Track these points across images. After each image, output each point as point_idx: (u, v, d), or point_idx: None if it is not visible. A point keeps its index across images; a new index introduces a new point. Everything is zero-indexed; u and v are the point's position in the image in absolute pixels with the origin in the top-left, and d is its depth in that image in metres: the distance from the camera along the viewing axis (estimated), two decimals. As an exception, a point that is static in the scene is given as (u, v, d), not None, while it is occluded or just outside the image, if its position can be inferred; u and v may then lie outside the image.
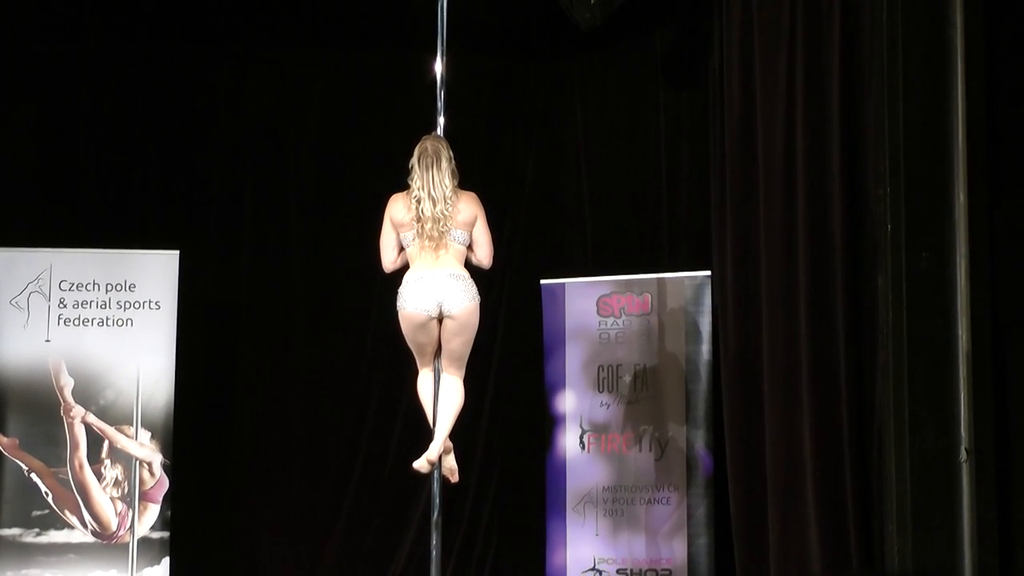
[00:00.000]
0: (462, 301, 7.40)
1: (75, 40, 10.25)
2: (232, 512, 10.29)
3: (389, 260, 7.61)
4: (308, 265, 10.57)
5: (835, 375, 7.89)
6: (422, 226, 7.41)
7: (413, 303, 7.39)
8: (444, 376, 7.57)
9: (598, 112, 10.62)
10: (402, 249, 7.57)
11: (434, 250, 7.44)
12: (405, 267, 7.59)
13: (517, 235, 10.50)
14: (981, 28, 6.16)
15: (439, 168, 7.44)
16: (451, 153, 7.51)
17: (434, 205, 7.40)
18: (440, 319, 7.43)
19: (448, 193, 7.42)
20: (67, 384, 9.32)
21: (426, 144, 7.52)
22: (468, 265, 7.56)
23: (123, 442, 9.34)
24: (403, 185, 7.56)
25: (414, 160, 7.49)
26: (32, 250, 9.45)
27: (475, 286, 7.49)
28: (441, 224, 7.40)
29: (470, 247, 7.58)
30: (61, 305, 9.39)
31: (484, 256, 7.62)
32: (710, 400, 9.19)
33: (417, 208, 7.42)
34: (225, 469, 10.31)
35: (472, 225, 7.53)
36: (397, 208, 7.52)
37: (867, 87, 7.57)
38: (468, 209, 7.50)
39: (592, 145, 10.62)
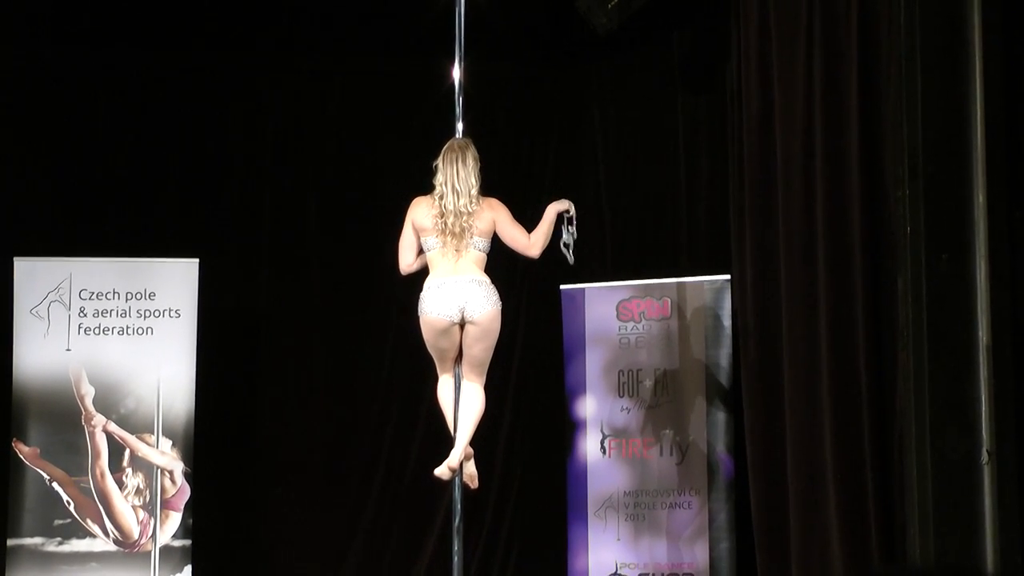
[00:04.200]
0: (484, 306, 7.41)
1: (94, 50, 10.28)
2: (253, 520, 10.30)
3: (406, 263, 7.61)
4: (328, 273, 10.58)
5: (855, 377, 7.88)
6: (445, 221, 7.41)
7: (435, 308, 7.39)
8: (464, 382, 7.56)
9: (616, 116, 10.62)
10: (420, 252, 7.57)
11: (455, 249, 7.43)
12: (421, 271, 7.59)
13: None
14: (999, 28, 6.14)
15: (464, 164, 7.45)
16: (477, 154, 7.52)
17: (458, 199, 7.40)
18: (462, 324, 7.44)
19: (473, 190, 7.42)
20: (88, 393, 9.34)
21: (453, 143, 7.56)
22: (488, 271, 7.56)
23: (144, 450, 9.36)
24: (422, 191, 7.57)
25: (439, 159, 7.51)
26: (52, 259, 9.48)
27: (496, 292, 7.49)
28: (464, 219, 7.40)
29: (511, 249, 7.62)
30: (81, 314, 9.42)
31: (524, 247, 7.61)
32: (731, 404, 9.18)
33: (440, 203, 7.42)
34: (246, 477, 10.33)
35: (491, 233, 7.53)
36: (419, 211, 7.52)
37: (885, 89, 7.57)
38: (487, 216, 7.49)
39: (611, 149, 10.63)
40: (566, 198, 7.79)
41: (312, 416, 10.49)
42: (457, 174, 7.44)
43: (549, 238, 7.70)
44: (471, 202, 7.42)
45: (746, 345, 9.04)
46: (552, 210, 7.71)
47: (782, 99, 8.60)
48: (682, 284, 9.45)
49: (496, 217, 7.54)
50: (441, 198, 7.43)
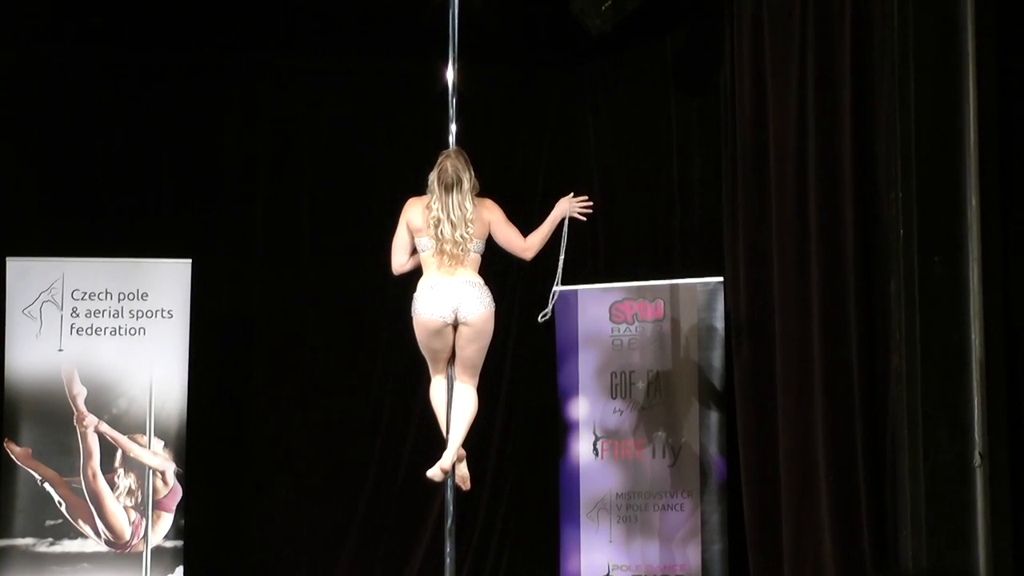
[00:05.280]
0: (478, 308, 7.39)
1: (87, 49, 10.26)
2: (246, 520, 10.29)
3: (399, 263, 7.58)
4: (321, 273, 10.57)
5: (848, 380, 7.88)
6: (441, 245, 7.38)
7: (428, 309, 7.37)
8: (457, 384, 7.55)
9: (610, 118, 10.62)
10: (414, 252, 7.55)
11: (451, 266, 7.42)
12: (414, 270, 7.57)
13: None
14: (992, 31, 6.16)
15: (460, 191, 7.39)
16: (471, 171, 7.45)
17: (454, 229, 7.36)
18: (455, 326, 7.42)
19: (469, 216, 7.38)
20: (80, 393, 9.32)
21: (446, 164, 7.43)
22: (481, 272, 7.54)
23: (136, 451, 9.35)
24: (416, 192, 7.54)
25: (433, 178, 7.43)
26: (44, 259, 9.46)
27: (490, 293, 7.48)
28: (461, 247, 7.38)
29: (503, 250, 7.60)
30: (74, 314, 9.40)
31: (520, 249, 7.60)
32: (723, 406, 9.18)
33: (436, 229, 7.38)
34: (238, 477, 10.32)
35: (486, 235, 7.51)
36: (414, 213, 7.49)
37: (878, 91, 7.57)
38: (483, 218, 7.46)
39: (604, 151, 10.63)
40: (559, 198, 7.78)
41: (305, 417, 10.47)
42: (452, 203, 7.37)
43: (545, 241, 7.69)
44: (468, 227, 7.39)
45: (739, 347, 9.05)
46: (559, 211, 7.70)
47: (775, 101, 8.61)
48: (675, 286, 9.44)
49: (491, 219, 7.51)
50: (437, 223, 7.38)
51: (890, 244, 6.53)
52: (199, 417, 9.63)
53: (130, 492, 9.32)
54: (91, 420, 9.32)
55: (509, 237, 7.59)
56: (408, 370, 9.43)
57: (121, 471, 9.33)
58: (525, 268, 10.02)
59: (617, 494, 9.42)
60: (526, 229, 7.59)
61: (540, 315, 8.01)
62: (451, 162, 7.44)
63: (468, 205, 7.38)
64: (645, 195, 10.38)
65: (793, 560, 8.33)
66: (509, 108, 10.82)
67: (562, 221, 7.72)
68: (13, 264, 9.40)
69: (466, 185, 7.39)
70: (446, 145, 7.64)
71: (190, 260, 9.56)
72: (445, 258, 7.40)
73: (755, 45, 8.84)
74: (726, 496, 9.13)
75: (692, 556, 9.17)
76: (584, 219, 7.80)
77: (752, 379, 8.90)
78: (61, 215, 10.17)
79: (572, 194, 7.76)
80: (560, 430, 9.64)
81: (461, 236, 7.36)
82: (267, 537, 10.31)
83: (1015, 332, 6.05)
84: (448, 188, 7.38)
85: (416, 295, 7.45)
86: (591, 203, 7.78)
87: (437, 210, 7.37)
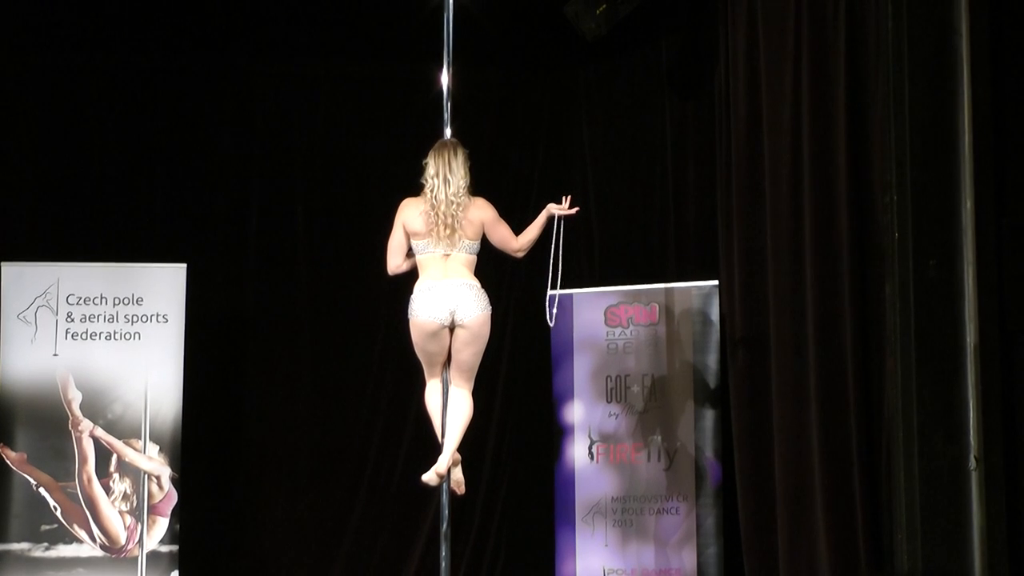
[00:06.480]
0: (474, 310, 7.40)
1: (82, 54, 10.27)
2: (241, 525, 10.29)
3: (394, 263, 7.59)
4: (315, 277, 10.57)
5: (843, 383, 7.89)
6: (437, 212, 7.40)
7: (426, 311, 7.38)
8: (452, 388, 7.55)
9: (604, 122, 10.62)
10: (409, 254, 7.55)
11: (445, 253, 7.42)
12: (409, 273, 7.57)
13: (523, 245, 10.50)
14: (986, 35, 6.15)
15: (455, 157, 7.46)
16: (467, 152, 7.53)
17: (448, 187, 7.41)
18: (452, 328, 7.43)
19: (463, 180, 7.44)
20: (75, 398, 9.32)
21: (443, 141, 7.60)
22: (476, 276, 7.54)
23: (131, 456, 9.34)
24: (411, 195, 7.55)
25: (429, 156, 7.51)
26: (39, 264, 9.45)
27: (487, 296, 7.49)
28: (455, 208, 7.40)
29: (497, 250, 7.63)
30: (69, 319, 9.40)
31: (513, 249, 7.64)
32: (719, 409, 9.18)
33: (431, 196, 7.42)
34: (233, 482, 10.32)
35: (480, 234, 7.53)
36: (409, 213, 7.51)
37: (873, 95, 7.58)
38: (476, 217, 7.49)
39: (598, 155, 10.63)
40: (553, 202, 7.78)
41: (300, 421, 10.47)
42: (448, 165, 7.45)
43: (536, 239, 7.71)
44: (460, 191, 7.43)
45: (734, 350, 9.06)
46: (546, 214, 7.72)
47: (770, 104, 8.62)
48: (670, 289, 9.45)
49: (484, 217, 7.54)
50: (432, 191, 7.43)
51: (885, 247, 6.52)
52: (194, 422, 9.64)
53: (125, 497, 9.32)
54: (86, 425, 9.32)
55: (503, 235, 7.62)
56: (403, 374, 9.43)
57: (116, 476, 9.33)
58: (521, 272, 10.07)
59: (612, 498, 9.41)
60: (518, 233, 7.63)
61: (548, 320, 8.02)
62: (448, 140, 7.62)
63: (463, 169, 7.45)
64: (640, 198, 10.39)
65: (788, 564, 8.34)
66: (504, 112, 10.82)
67: (556, 224, 7.72)
68: (8, 269, 9.40)
69: (461, 156, 7.50)
70: (441, 150, 7.68)
71: (185, 265, 9.56)
72: (441, 229, 7.41)
73: (750, 49, 8.84)
74: (721, 500, 9.14)
75: (687, 560, 9.17)
76: (575, 213, 7.81)
77: (747, 382, 8.91)
78: (56, 220, 10.18)
79: (566, 198, 7.77)
80: (555, 434, 9.64)
81: (455, 195, 7.40)
82: (262, 541, 10.31)
83: (1010, 336, 6.04)
84: (444, 154, 7.52)
85: (413, 297, 7.46)
86: (576, 208, 7.79)
87: (432, 176, 7.47)
